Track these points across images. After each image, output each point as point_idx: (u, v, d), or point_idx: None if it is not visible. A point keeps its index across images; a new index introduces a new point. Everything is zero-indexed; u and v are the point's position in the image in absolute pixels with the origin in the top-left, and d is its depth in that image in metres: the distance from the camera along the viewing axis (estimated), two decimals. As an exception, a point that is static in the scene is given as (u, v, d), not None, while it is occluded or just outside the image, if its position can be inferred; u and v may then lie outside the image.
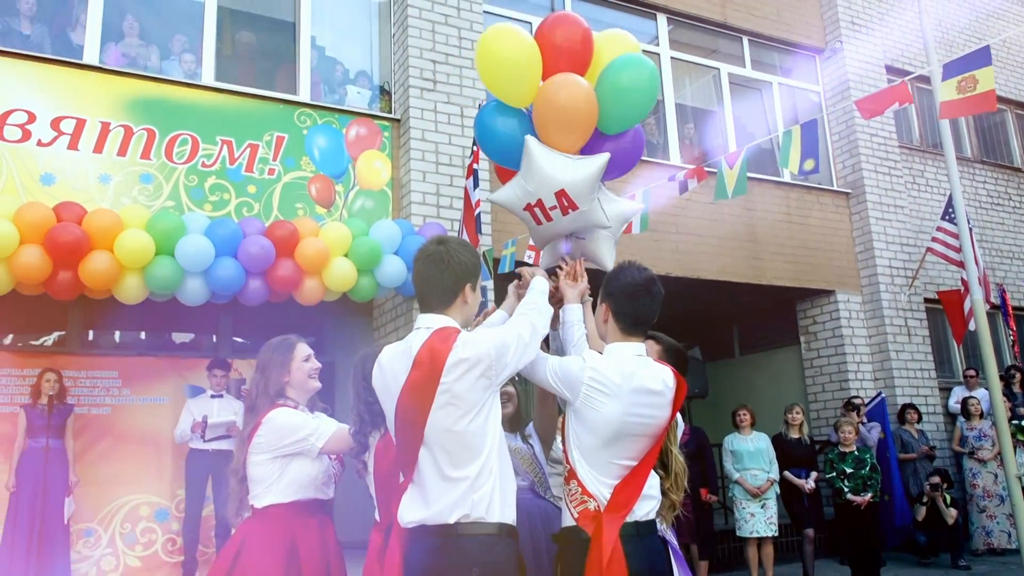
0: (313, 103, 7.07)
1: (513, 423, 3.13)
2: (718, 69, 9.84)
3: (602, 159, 2.78)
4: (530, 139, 2.76)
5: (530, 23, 8.52)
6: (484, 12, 8.08)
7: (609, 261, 3.11)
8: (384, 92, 7.78)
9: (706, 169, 5.55)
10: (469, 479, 2.19)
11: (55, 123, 5.97)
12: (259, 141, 6.69)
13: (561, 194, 2.73)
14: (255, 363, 3.08)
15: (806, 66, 10.62)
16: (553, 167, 2.77)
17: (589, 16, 8.79)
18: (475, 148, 6.44)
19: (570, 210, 2.75)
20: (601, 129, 2.93)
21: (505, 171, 3.05)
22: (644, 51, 9.21)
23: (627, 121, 2.95)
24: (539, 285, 2.61)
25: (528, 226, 2.93)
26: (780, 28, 10.22)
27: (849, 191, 9.99)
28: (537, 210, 2.79)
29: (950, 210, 9.46)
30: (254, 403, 2.95)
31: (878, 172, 10.11)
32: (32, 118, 5.92)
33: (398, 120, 7.41)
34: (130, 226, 5.48)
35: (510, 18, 8.45)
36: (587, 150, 2.90)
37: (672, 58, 9.45)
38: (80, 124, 6.04)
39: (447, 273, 2.37)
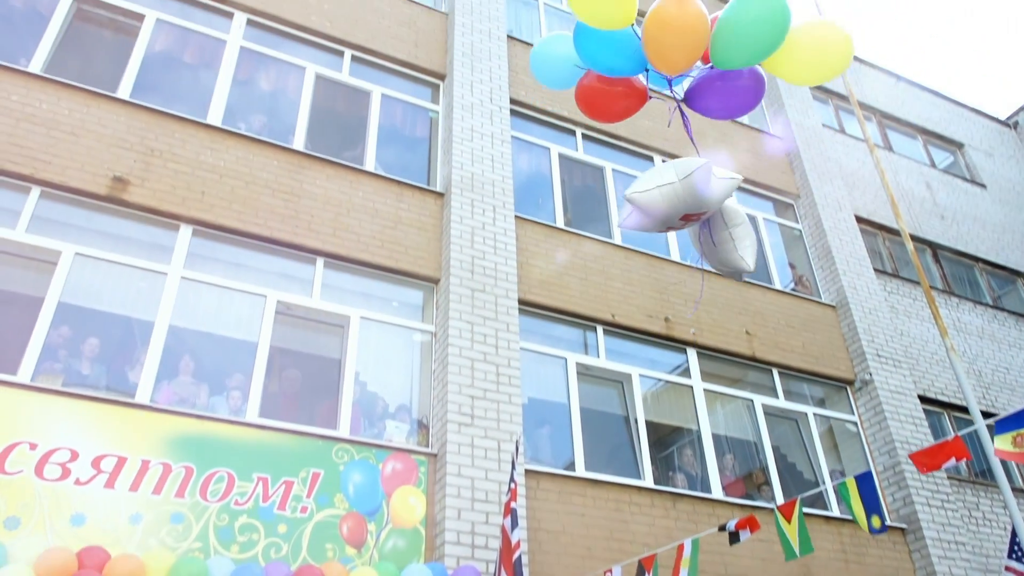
0: (351, 438, 7.11)
1: None
2: (752, 400, 9.92)
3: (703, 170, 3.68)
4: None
5: (564, 359, 8.84)
6: (521, 349, 8.42)
7: (745, 252, 4.00)
8: (422, 426, 7.85)
9: (757, 519, 5.31)
10: None
11: (96, 461, 5.99)
12: (295, 478, 6.62)
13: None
14: None
15: (839, 396, 10.69)
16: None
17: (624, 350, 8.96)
18: (513, 485, 6.29)
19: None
20: (716, 63, 3.49)
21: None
22: (674, 383, 9.38)
23: (744, 56, 3.45)
24: None
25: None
26: (808, 360, 10.46)
27: (904, 526, 9.46)
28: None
29: (1016, 548, 8.86)
30: None
31: (931, 505, 9.66)
32: (74, 456, 5.96)
33: (435, 455, 7.38)
34: (152, 573, 5.23)
35: (545, 354, 8.78)
36: (701, 84, 3.69)
37: (705, 390, 9.58)
38: (121, 462, 6.06)
39: None
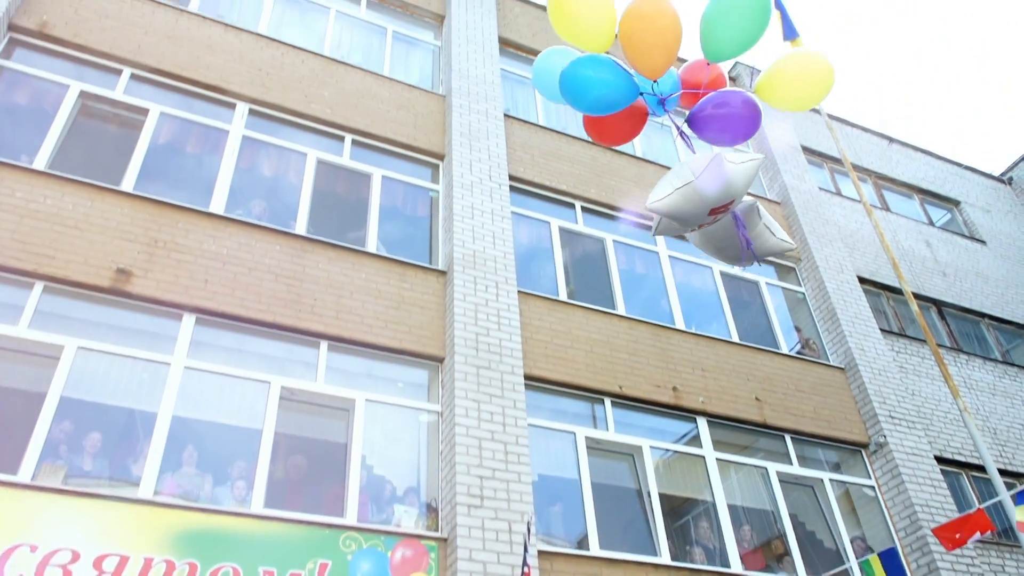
0: (359, 526, 6.95)
1: None
2: (766, 468, 9.73)
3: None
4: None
5: (573, 433, 8.70)
6: (529, 425, 8.30)
7: (782, 233, 4.03)
8: (431, 509, 7.68)
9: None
10: None
11: (98, 562, 5.84)
12: (302, 570, 6.44)
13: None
14: None
15: (854, 460, 10.49)
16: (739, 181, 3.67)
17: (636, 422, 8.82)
18: (526, 569, 6.13)
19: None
20: (708, 56, 3.65)
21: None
22: (683, 452, 9.19)
23: (731, 47, 3.60)
24: None
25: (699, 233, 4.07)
26: (820, 425, 10.31)
27: (931, 594, 9.17)
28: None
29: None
30: None
31: (956, 571, 9.37)
32: (75, 557, 5.81)
33: (445, 539, 7.20)
34: None
35: (554, 429, 8.66)
36: (697, 113, 3.84)
37: (717, 459, 9.40)
38: (123, 561, 5.90)
39: None
